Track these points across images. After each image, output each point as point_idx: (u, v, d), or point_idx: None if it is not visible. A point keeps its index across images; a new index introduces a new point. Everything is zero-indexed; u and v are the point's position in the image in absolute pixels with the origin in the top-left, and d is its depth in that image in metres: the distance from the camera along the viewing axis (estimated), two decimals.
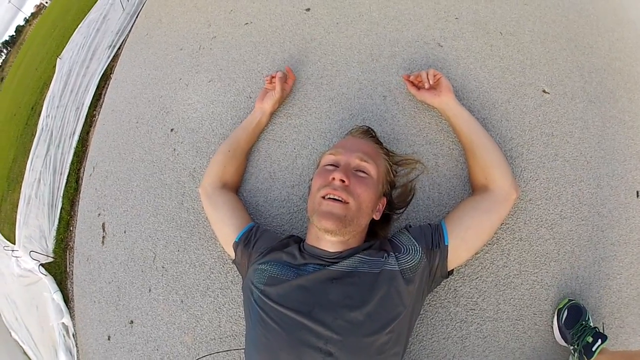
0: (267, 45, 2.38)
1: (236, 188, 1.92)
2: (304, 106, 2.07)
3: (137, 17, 4.04)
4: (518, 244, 1.67)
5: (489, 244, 1.65)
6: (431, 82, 1.73)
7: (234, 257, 1.62)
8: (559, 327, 1.55)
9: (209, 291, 1.90)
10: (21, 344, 4.24)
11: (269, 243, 1.53)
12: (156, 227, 2.16)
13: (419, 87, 1.81)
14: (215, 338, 1.83)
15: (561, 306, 1.57)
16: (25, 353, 4.15)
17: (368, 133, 1.64)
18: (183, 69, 2.64)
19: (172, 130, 2.38)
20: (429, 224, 1.48)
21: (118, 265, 2.27)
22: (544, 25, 2.16)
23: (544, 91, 1.94)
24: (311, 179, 1.52)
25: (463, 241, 1.40)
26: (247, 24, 2.56)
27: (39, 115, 5.50)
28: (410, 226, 1.50)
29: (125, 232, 2.29)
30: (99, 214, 2.53)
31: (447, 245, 1.38)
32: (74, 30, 6.68)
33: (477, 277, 1.63)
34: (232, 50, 2.48)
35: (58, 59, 5.86)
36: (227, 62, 2.45)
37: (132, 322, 2.11)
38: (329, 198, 1.32)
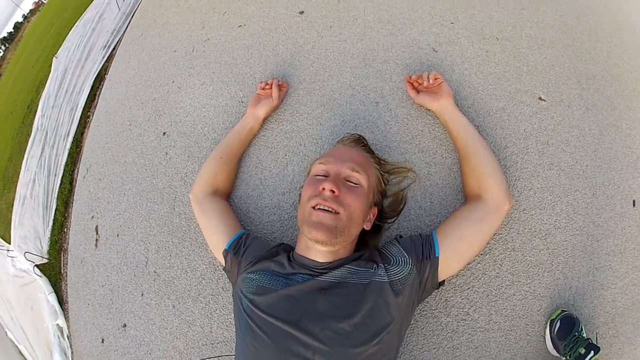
0: (260, 48, 2.37)
1: (227, 194, 1.91)
2: (295, 111, 2.06)
3: (132, 17, 4.02)
4: (511, 254, 1.66)
5: (481, 254, 1.65)
6: (430, 82, 1.73)
7: (224, 265, 1.62)
8: (551, 338, 1.54)
9: (200, 297, 1.90)
10: (16, 343, 4.25)
11: (258, 251, 1.53)
12: (148, 231, 2.16)
13: (418, 91, 1.81)
14: (207, 343, 1.83)
15: (553, 317, 1.56)
16: (20, 353, 4.15)
17: (359, 142, 1.62)
18: (176, 71, 2.63)
19: (164, 133, 2.38)
20: (419, 234, 1.47)
21: (111, 269, 2.27)
22: (541, 31, 2.14)
23: (540, 98, 1.92)
24: (302, 187, 1.51)
25: (454, 252, 1.40)
26: (240, 26, 2.55)
27: (35, 114, 5.52)
28: (400, 236, 1.49)
29: (118, 235, 2.30)
30: (93, 217, 2.53)
31: (438, 257, 1.37)
32: (71, 29, 6.66)
33: (469, 288, 1.63)
34: (225, 53, 2.47)
35: (54, 57, 5.86)
36: (220, 65, 2.44)
37: (125, 325, 2.11)
38: (319, 208, 1.31)
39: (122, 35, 3.91)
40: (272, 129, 2.04)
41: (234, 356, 1.67)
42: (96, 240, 2.44)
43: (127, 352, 2.08)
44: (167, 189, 2.19)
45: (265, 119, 2.02)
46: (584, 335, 1.50)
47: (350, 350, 1.21)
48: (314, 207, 1.32)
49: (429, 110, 1.84)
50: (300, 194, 1.50)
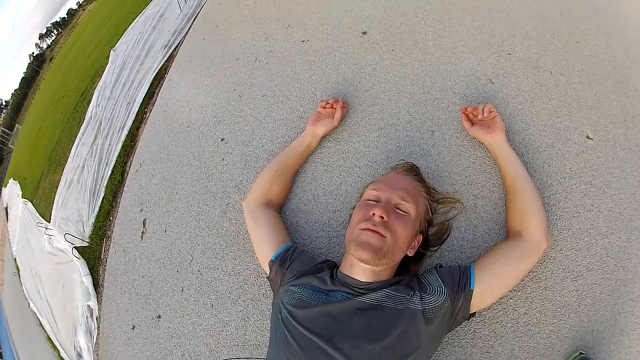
0: (322, 66, 2.43)
1: (280, 207, 1.98)
2: (353, 133, 2.11)
3: (194, 19, 4.15)
4: (542, 293, 1.66)
5: (514, 290, 1.66)
6: (485, 115, 1.76)
7: (268, 274, 1.68)
8: None
9: (240, 300, 1.96)
10: (39, 315, 4.49)
11: (304, 266, 1.58)
12: (197, 232, 2.23)
13: (473, 122, 1.85)
14: (238, 344, 1.89)
15: (571, 359, 1.57)
16: (41, 325, 4.38)
17: (412, 171, 1.67)
18: (238, 79, 2.70)
19: (222, 139, 2.45)
20: (458, 265, 1.50)
21: (154, 262, 2.35)
22: (592, 66, 2.15)
23: (587, 137, 1.92)
24: (353, 207, 1.57)
25: (489, 287, 1.43)
26: (303, 41, 2.62)
27: (89, 103, 5.72)
28: (440, 266, 1.53)
29: (165, 231, 2.38)
30: (141, 210, 2.64)
31: (473, 290, 1.40)
32: (129, 23, 6.92)
33: (497, 322, 1.64)
34: (287, 67, 2.54)
35: (112, 50, 6.07)
36: (282, 78, 2.50)
37: (159, 316, 2.19)
38: (368, 229, 1.36)
39: (184, 37, 4.06)
40: (329, 148, 2.10)
41: (261, 358, 1.76)
42: (142, 232, 2.53)
43: (156, 342, 2.16)
44: (221, 193, 2.25)
45: (323, 137, 2.08)
46: None
47: None
48: (362, 229, 1.37)
49: (481, 142, 1.87)
50: (350, 215, 1.54)
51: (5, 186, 16.10)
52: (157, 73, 3.99)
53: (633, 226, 1.77)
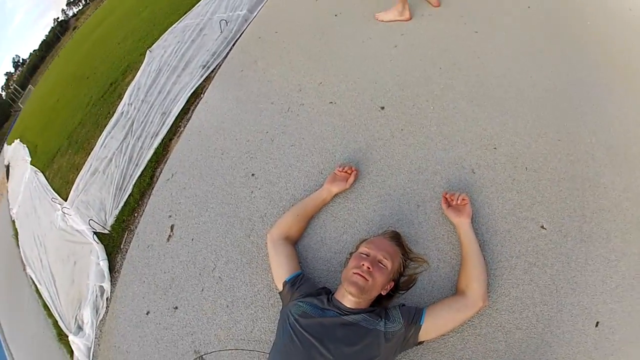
0: (344, 131, 2.88)
1: (295, 241, 2.51)
2: (359, 195, 2.59)
3: (233, 45, 4.48)
4: (477, 338, 2.05)
5: (455, 332, 2.07)
6: (459, 202, 2.29)
7: (280, 290, 2.22)
8: None
9: (252, 305, 2.40)
10: (36, 281, 4.60)
11: (309, 289, 2.13)
12: (222, 246, 2.66)
13: (449, 205, 2.35)
14: (245, 339, 2.31)
15: None
16: (37, 290, 4.49)
17: (395, 238, 2.20)
18: (271, 122, 3.13)
19: (253, 174, 2.89)
20: (416, 307, 2.01)
21: (178, 263, 2.74)
22: (567, 164, 2.44)
23: (542, 227, 2.26)
24: (350, 253, 2.18)
25: (433, 325, 1.96)
26: (331, 103, 3.08)
27: (119, 96, 5.91)
28: (403, 305, 2.06)
29: (192, 240, 2.79)
30: (170, 216, 3.03)
31: (421, 325, 1.94)
32: (166, 25, 7.08)
33: (438, 352, 2.07)
34: (315, 124, 2.98)
35: (148, 51, 6.31)
36: (309, 133, 2.94)
37: (176, 308, 2.57)
38: (358, 274, 1.93)
39: (222, 60, 4.40)
40: (339, 204, 2.59)
41: (263, 353, 2.25)
42: (169, 235, 2.92)
43: (169, 328, 2.52)
44: (247, 220, 2.69)
45: (336, 195, 2.62)
46: None
47: None
48: (354, 273, 1.94)
49: (451, 221, 2.32)
50: (347, 259, 2.17)
51: (9, 144, 15.74)
52: (194, 90, 4.26)
53: (566, 302, 2.07)
